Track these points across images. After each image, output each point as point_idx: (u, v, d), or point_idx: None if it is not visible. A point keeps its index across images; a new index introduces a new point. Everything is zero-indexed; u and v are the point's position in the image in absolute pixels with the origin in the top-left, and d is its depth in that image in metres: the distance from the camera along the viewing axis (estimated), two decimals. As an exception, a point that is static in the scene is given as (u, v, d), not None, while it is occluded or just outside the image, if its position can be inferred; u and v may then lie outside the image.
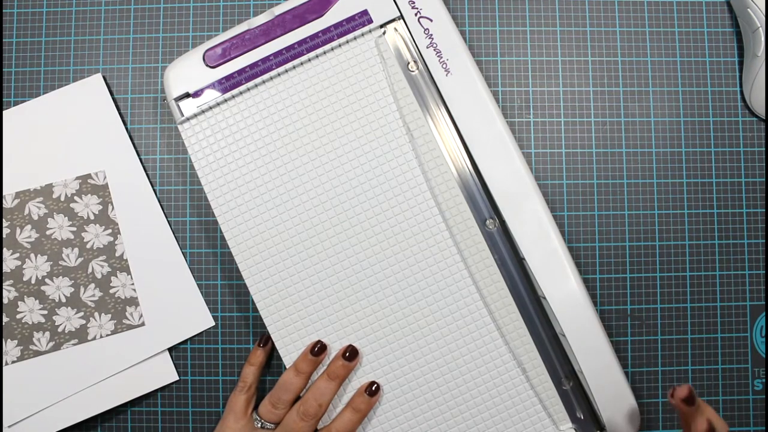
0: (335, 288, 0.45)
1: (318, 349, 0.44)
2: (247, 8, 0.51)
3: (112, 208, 0.49)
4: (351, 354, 0.44)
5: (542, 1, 0.51)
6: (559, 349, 0.45)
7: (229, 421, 0.44)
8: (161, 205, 0.49)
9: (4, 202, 0.48)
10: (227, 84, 0.45)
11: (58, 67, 0.50)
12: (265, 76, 0.45)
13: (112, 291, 0.48)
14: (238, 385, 0.45)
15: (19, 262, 0.48)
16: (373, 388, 0.44)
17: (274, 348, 0.47)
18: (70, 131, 0.49)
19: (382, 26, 0.45)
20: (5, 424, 0.47)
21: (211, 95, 0.45)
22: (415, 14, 0.45)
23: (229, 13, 0.51)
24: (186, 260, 0.49)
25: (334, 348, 0.45)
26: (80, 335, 0.48)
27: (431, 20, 0.45)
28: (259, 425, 0.44)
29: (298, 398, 0.44)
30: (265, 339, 0.47)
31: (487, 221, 0.45)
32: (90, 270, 0.48)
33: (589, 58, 0.50)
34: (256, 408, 0.45)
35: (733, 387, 0.49)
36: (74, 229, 0.49)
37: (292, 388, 0.43)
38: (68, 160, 0.49)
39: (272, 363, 0.49)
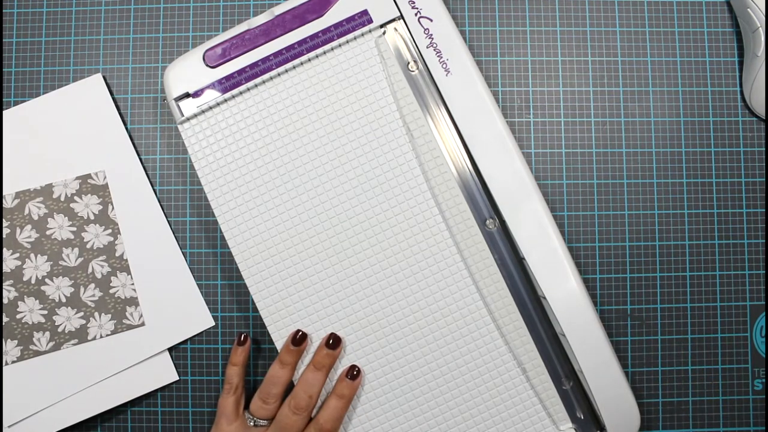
0: (335, 288, 0.45)
1: (299, 338, 0.44)
2: (247, 8, 0.51)
3: (112, 208, 0.49)
4: (334, 342, 0.44)
5: (542, 1, 0.51)
6: (559, 349, 0.45)
7: (222, 425, 0.44)
8: (161, 205, 0.49)
9: (4, 202, 0.48)
10: (227, 84, 0.45)
11: (58, 67, 0.50)
12: (265, 76, 0.45)
13: (112, 291, 0.48)
14: (225, 388, 0.45)
15: (19, 262, 0.48)
16: (354, 372, 0.44)
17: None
18: (70, 131, 0.49)
19: (382, 26, 0.45)
20: (5, 424, 0.47)
21: (211, 95, 0.45)
22: (415, 14, 0.45)
23: (229, 13, 0.51)
24: (186, 260, 0.49)
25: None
26: (80, 335, 0.48)
27: (431, 20, 0.45)
28: (252, 423, 0.44)
29: (286, 391, 0.44)
30: (243, 337, 0.47)
31: (487, 221, 0.45)
32: (90, 270, 0.48)
33: (589, 58, 0.50)
34: (247, 407, 0.45)
35: (733, 387, 0.49)
36: (74, 229, 0.49)
37: (279, 381, 0.43)
38: (68, 160, 0.49)
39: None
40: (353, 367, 0.44)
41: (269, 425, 0.44)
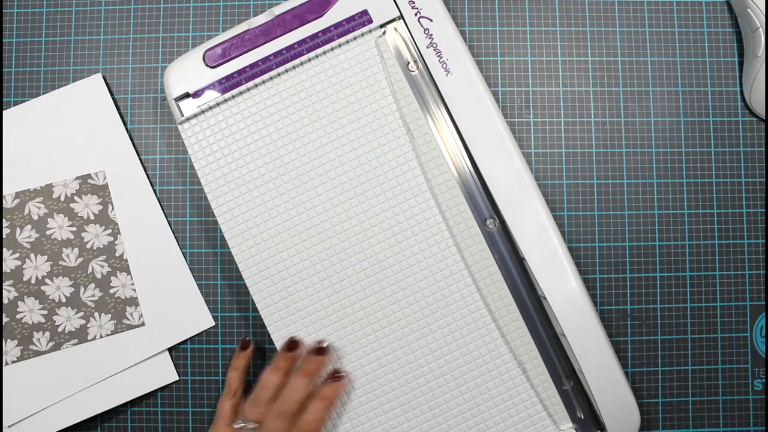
0: (335, 288, 0.45)
1: (293, 345, 0.44)
2: (247, 8, 0.51)
3: (112, 208, 0.49)
4: (322, 349, 0.44)
5: (542, 1, 0.51)
6: (559, 349, 0.45)
7: (219, 427, 0.44)
8: (161, 205, 0.49)
9: (4, 202, 0.48)
10: (227, 84, 0.45)
11: (58, 67, 0.50)
12: (265, 76, 0.45)
13: (112, 291, 0.48)
14: (224, 391, 0.45)
15: (19, 262, 0.48)
16: (338, 374, 0.44)
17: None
18: (70, 131, 0.49)
19: (382, 26, 0.45)
20: (5, 424, 0.47)
21: (211, 95, 0.45)
22: (415, 14, 0.45)
23: (229, 13, 0.51)
24: (186, 260, 0.49)
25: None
26: (80, 335, 0.48)
27: (431, 20, 0.45)
28: (241, 425, 0.44)
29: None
30: (246, 342, 0.47)
31: (487, 221, 0.45)
32: (90, 270, 0.48)
33: (589, 58, 0.50)
34: None
35: (733, 387, 0.49)
36: (74, 229, 0.49)
37: (270, 385, 0.43)
38: (68, 160, 0.49)
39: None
40: (337, 370, 0.44)
41: (256, 430, 0.44)
